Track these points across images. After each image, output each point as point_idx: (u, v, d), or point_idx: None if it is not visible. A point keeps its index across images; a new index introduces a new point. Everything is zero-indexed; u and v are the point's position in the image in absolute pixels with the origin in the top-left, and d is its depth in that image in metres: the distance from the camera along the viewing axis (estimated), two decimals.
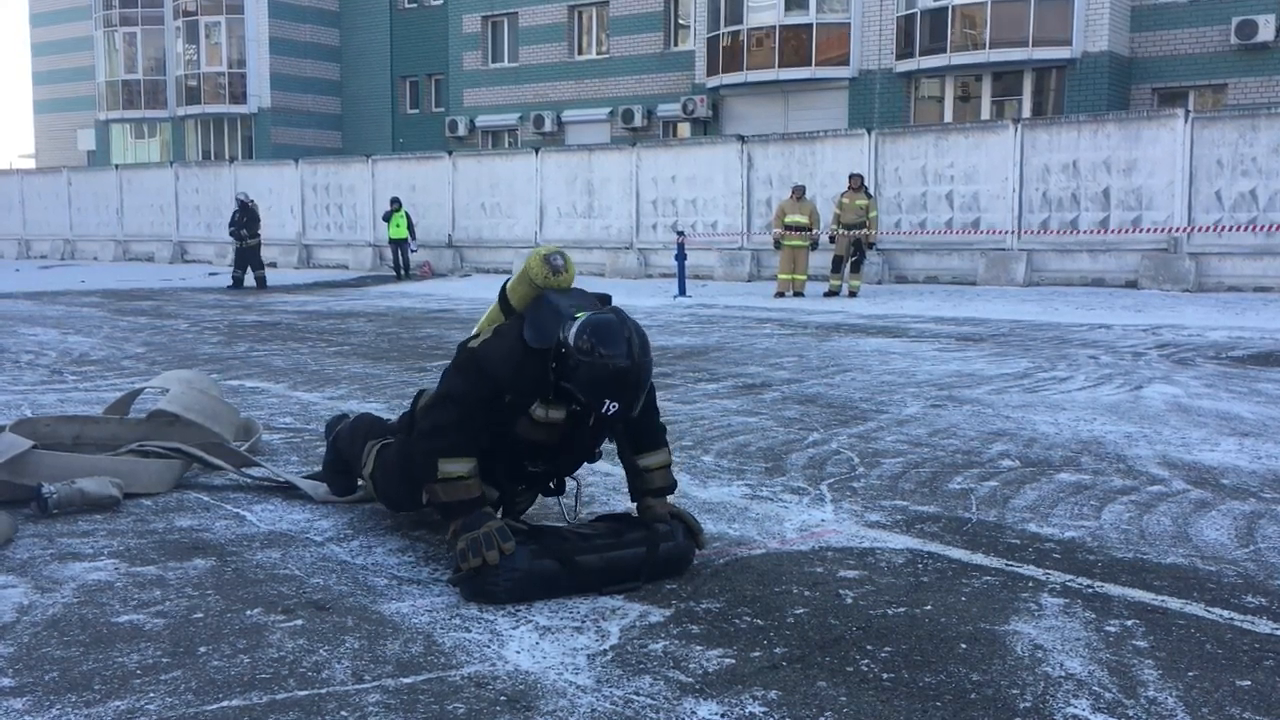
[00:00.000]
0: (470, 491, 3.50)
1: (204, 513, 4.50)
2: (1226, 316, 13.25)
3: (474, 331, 4.03)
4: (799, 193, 18.01)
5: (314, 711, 2.63)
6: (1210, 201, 16.92)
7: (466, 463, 3.52)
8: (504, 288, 3.87)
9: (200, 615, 3.29)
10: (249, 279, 20.88)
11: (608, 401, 3.35)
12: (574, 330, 3.37)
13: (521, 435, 3.59)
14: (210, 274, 23.66)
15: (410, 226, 23.88)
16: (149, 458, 4.92)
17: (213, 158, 38.95)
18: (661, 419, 3.99)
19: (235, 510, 4.53)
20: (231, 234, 21.77)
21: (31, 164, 47.08)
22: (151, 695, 2.72)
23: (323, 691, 2.75)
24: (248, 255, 21.08)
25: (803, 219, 17.61)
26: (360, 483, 4.45)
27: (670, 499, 3.86)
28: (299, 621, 3.24)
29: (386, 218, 24.03)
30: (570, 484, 3.95)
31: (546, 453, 3.68)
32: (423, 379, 8.39)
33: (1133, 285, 17.28)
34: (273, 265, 27.96)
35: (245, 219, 21.21)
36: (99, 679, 2.81)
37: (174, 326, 12.93)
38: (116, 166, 34.66)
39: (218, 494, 4.80)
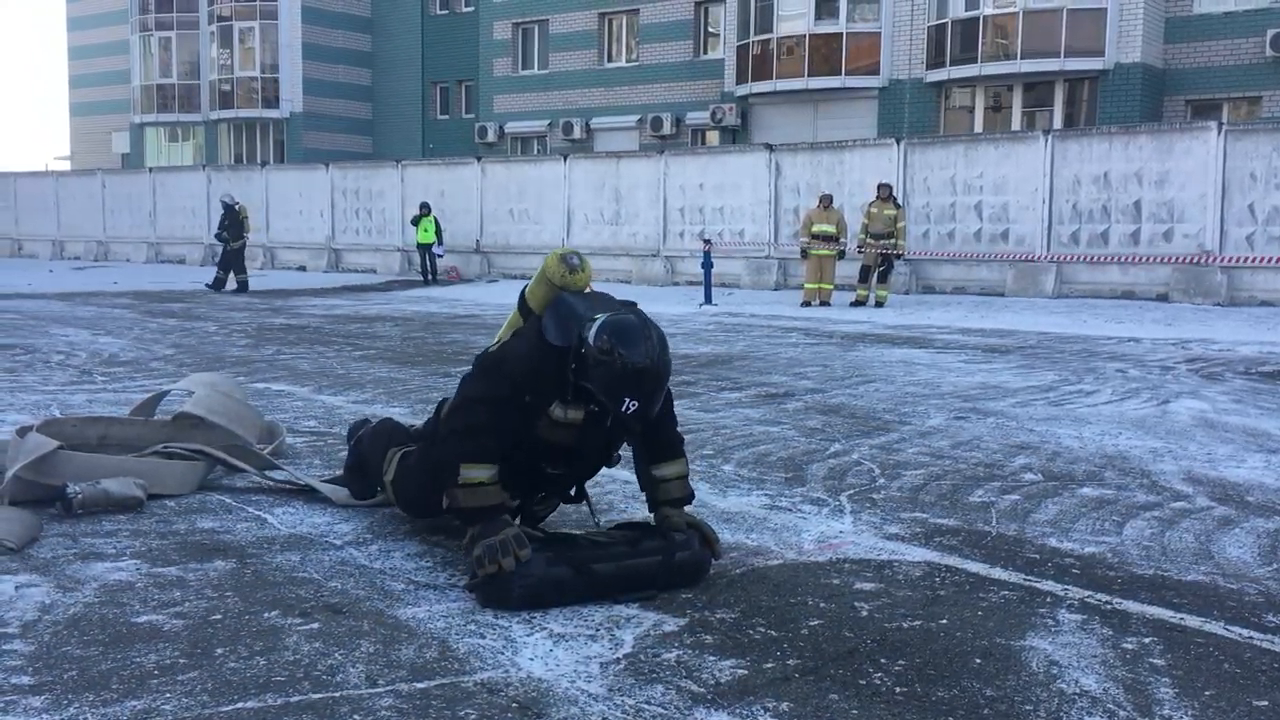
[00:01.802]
0: (491, 498, 3.52)
1: (226, 515, 4.54)
2: (1258, 331, 13.12)
3: (495, 340, 4.08)
4: (826, 202, 17.99)
5: (327, 715, 2.65)
6: (1243, 215, 16.77)
7: (488, 468, 3.54)
8: (523, 293, 3.91)
9: (219, 617, 3.32)
10: (231, 282, 20.73)
11: (626, 400, 3.36)
12: (594, 330, 3.39)
13: (541, 436, 3.60)
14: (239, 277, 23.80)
15: (438, 231, 23.98)
16: (173, 459, 4.97)
17: (245, 161, 39.29)
18: (682, 427, 3.99)
19: (257, 513, 4.57)
20: (216, 237, 21.78)
21: (67, 166, 47.65)
22: (168, 695, 2.74)
23: (336, 695, 2.77)
24: (231, 258, 20.92)
25: (830, 228, 17.59)
26: (380, 490, 4.48)
27: (688, 508, 3.86)
28: (315, 625, 3.26)
29: (415, 222, 24.14)
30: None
31: (565, 455, 3.69)
32: (447, 383, 8.43)
33: (1163, 298, 17.14)
34: (302, 269, 28.27)
35: (229, 222, 21.11)
36: (117, 679, 2.84)
37: (203, 329, 13.04)
38: (150, 169, 35.02)
39: (240, 496, 4.85)
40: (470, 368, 3.82)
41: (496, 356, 3.69)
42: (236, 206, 21.53)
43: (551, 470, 3.76)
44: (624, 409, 3.38)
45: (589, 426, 3.55)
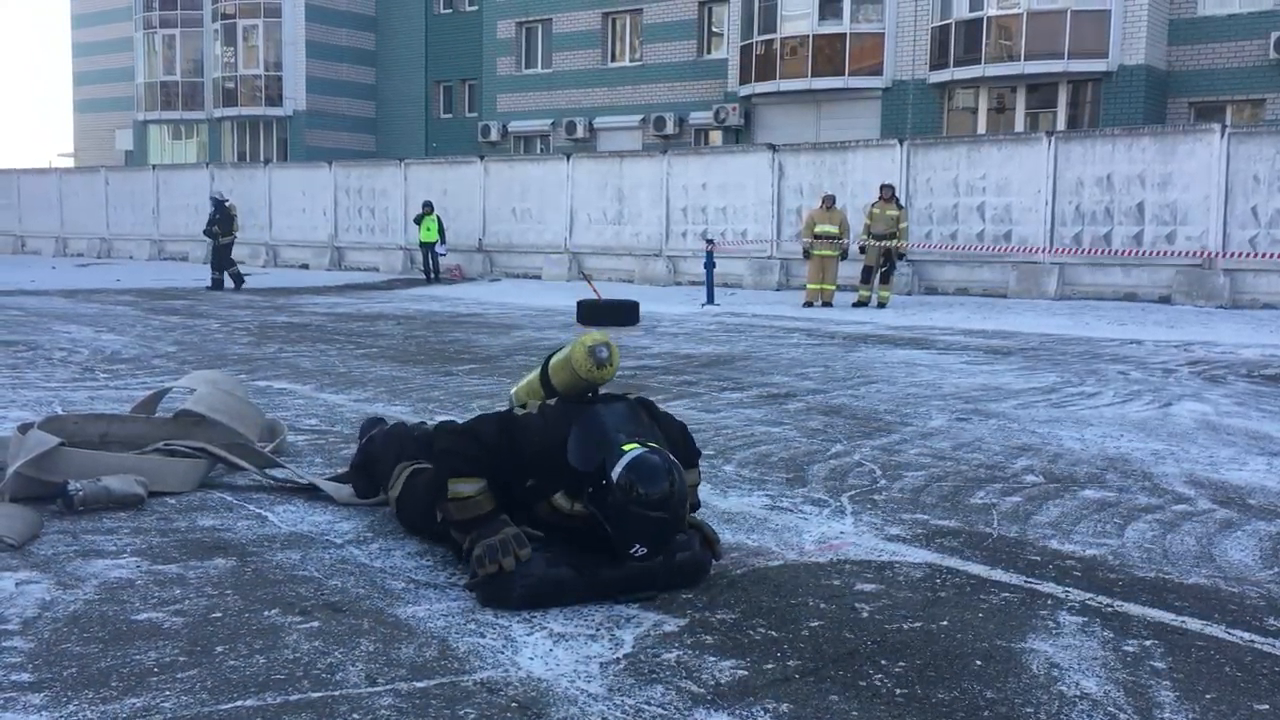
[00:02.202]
0: (482, 508, 3.55)
1: (226, 513, 4.54)
2: (1261, 334, 13.11)
3: (513, 391, 4.13)
4: (829, 202, 17.98)
5: (326, 713, 2.65)
6: (1246, 217, 16.76)
7: (476, 483, 3.56)
8: (548, 360, 3.90)
9: (219, 615, 3.32)
10: (228, 280, 20.68)
11: (637, 546, 3.37)
12: (619, 468, 3.35)
13: (541, 517, 3.62)
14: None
15: (441, 230, 23.98)
16: (174, 457, 4.97)
17: (248, 159, 39.29)
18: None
19: (258, 511, 4.57)
20: (205, 233, 21.67)
21: (70, 163, 47.66)
22: (167, 693, 2.74)
23: (336, 693, 2.76)
24: (221, 254, 20.79)
25: (832, 229, 17.58)
26: (384, 489, 4.48)
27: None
28: (315, 623, 3.26)
29: (418, 221, 24.15)
30: None
31: (565, 532, 3.67)
32: (449, 382, 8.43)
33: (1166, 300, 17.12)
34: (304, 267, 28.28)
35: (219, 216, 20.97)
36: (116, 676, 2.84)
37: (205, 326, 13.05)
38: (153, 167, 35.05)
39: (241, 494, 4.85)
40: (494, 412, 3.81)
41: (517, 424, 3.66)
42: (227, 203, 21.50)
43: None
44: (632, 551, 3.38)
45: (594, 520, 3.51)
